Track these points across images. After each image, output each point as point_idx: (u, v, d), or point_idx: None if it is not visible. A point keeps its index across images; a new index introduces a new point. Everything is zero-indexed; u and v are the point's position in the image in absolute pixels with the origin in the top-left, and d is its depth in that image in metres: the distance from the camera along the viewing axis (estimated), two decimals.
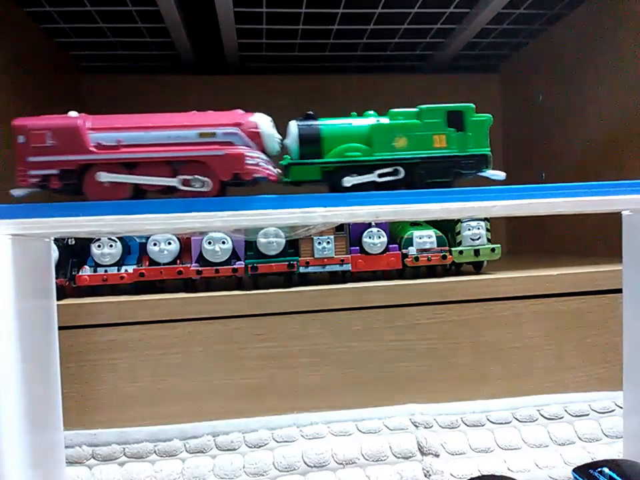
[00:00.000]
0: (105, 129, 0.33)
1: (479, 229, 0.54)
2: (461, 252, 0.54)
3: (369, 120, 0.38)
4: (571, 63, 0.81)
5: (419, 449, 0.45)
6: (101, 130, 0.33)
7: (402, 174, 0.36)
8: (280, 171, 0.37)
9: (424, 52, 0.96)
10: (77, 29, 0.80)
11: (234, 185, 0.36)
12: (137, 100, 0.97)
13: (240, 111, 0.36)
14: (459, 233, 0.54)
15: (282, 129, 0.37)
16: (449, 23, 0.84)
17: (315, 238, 0.51)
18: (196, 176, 0.34)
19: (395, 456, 0.45)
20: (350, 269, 0.52)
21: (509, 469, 0.45)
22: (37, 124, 0.33)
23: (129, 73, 0.98)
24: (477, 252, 0.54)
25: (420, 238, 0.53)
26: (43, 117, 0.33)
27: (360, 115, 0.39)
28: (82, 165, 0.33)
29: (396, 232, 0.56)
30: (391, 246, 0.53)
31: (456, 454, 0.45)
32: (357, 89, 1.02)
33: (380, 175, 0.36)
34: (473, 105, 0.37)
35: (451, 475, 0.44)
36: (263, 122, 0.35)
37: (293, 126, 0.37)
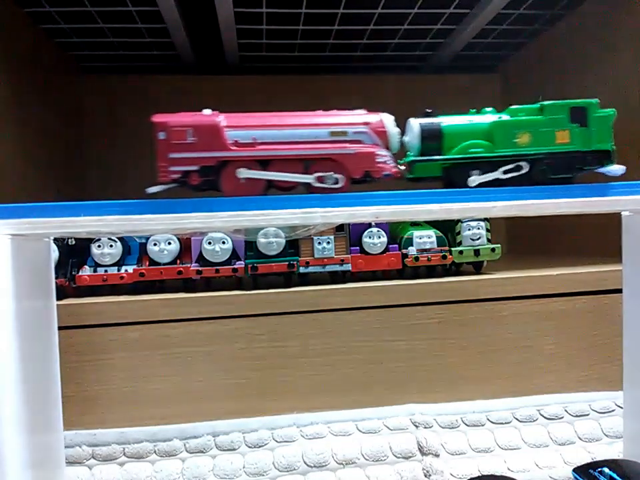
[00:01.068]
0: (241, 126, 0.34)
1: (479, 229, 0.54)
2: (461, 252, 0.54)
3: (490, 117, 0.38)
4: (571, 63, 0.81)
5: (419, 448, 0.45)
6: (237, 128, 0.34)
7: (525, 169, 0.36)
8: (404, 167, 0.38)
9: (424, 52, 0.96)
10: (76, 29, 0.80)
11: (359, 182, 0.36)
12: (137, 100, 0.97)
13: (363, 111, 0.37)
14: (458, 233, 0.54)
15: None
16: (449, 23, 0.83)
17: (314, 238, 0.51)
18: (331, 173, 0.34)
19: (395, 456, 0.45)
20: (350, 269, 0.52)
21: (509, 469, 0.45)
22: (177, 121, 0.33)
23: (129, 73, 0.98)
24: (477, 252, 0.54)
25: (420, 238, 0.53)
26: (180, 114, 0.34)
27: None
28: (221, 161, 0.34)
29: (396, 232, 0.56)
30: (390, 246, 0.53)
31: (456, 454, 0.45)
32: (357, 89, 1.02)
33: (505, 172, 0.36)
34: (596, 100, 0.38)
35: (451, 475, 0.44)
36: (388, 121, 0.36)
37: (415, 123, 0.38)
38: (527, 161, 0.36)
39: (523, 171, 0.36)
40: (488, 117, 0.38)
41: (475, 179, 0.36)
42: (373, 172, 0.35)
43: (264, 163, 0.34)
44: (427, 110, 0.38)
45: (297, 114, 0.35)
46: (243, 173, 0.34)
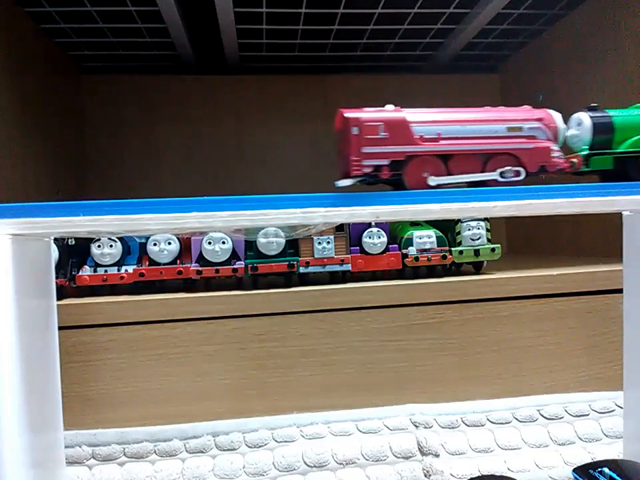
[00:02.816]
0: (426, 122, 0.35)
1: (478, 229, 0.54)
2: (461, 252, 0.54)
3: None
4: (570, 63, 0.81)
5: (419, 448, 0.45)
6: (422, 123, 0.35)
7: None
8: (576, 160, 0.38)
9: (424, 52, 0.96)
10: (77, 29, 0.80)
11: (532, 175, 0.37)
12: (137, 100, 0.97)
13: (528, 106, 0.38)
14: (458, 233, 0.54)
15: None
16: (449, 23, 0.84)
17: (315, 238, 0.51)
18: (513, 167, 0.35)
19: (395, 456, 0.45)
20: (350, 268, 0.52)
21: (509, 469, 0.45)
22: (369, 117, 0.34)
23: (129, 73, 0.98)
24: (476, 252, 0.54)
25: (420, 238, 0.53)
26: (368, 109, 0.35)
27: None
28: (409, 156, 0.35)
29: (396, 232, 0.56)
30: (390, 246, 0.53)
31: (456, 454, 0.45)
32: (357, 89, 1.02)
33: None
34: None
35: (451, 475, 0.44)
36: (557, 117, 0.37)
37: (585, 117, 0.38)
38: None
39: None
40: None
41: None
42: (548, 166, 0.36)
43: (445, 158, 0.35)
44: (592, 104, 0.39)
45: (472, 110, 0.37)
46: (433, 180, 0.35)
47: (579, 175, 0.39)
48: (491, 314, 0.50)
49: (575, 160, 0.38)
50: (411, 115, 0.35)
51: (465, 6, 0.78)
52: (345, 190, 0.33)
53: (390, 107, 0.36)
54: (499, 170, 0.35)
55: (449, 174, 0.35)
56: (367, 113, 0.34)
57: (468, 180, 0.35)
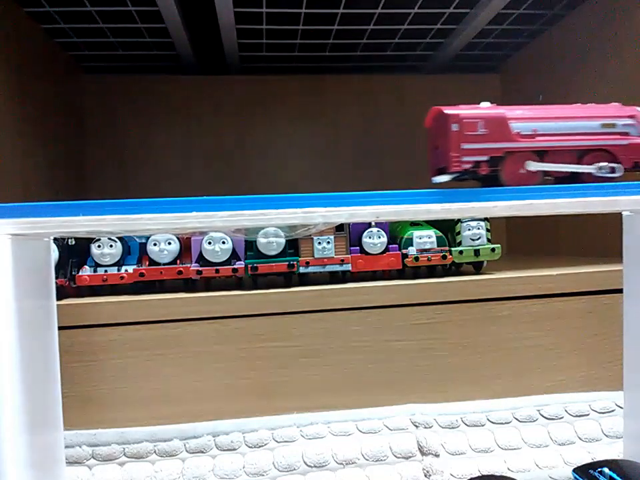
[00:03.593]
0: (522, 119, 0.35)
1: (478, 229, 0.54)
2: (461, 252, 0.54)
3: None
4: (571, 63, 0.81)
5: (419, 448, 0.45)
6: (519, 120, 0.35)
7: None
8: None
9: (424, 52, 0.96)
10: (77, 29, 0.80)
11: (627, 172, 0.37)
12: (137, 100, 0.97)
13: (617, 104, 0.38)
14: (458, 233, 0.54)
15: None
16: (449, 23, 0.83)
17: (314, 238, 0.51)
18: (610, 164, 0.35)
19: (395, 456, 0.45)
20: (350, 268, 0.52)
21: (508, 469, 0.45)
22: (469, 113, 0.35)
23: (129, 73, 0.98)
24: (476, 252, 0.54)
25: (420, 238, 0.53)
26: (465, 106, 0.35)
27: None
28: (507, 152, 0.35)
29: (396, 232, 0.56)
30: (390, 246, 0.53)
31: (456, 454, 0.45)
32: (357, 89, 1.03)
33: None
34: None
35: (451, 475, 0.44)
36: None
37: None
38: None
39: None
40: None
41: None
42: None
43: (541, 154, 0.36)
44: None
45: (565, 106, 0.37)
46: (532, 166, 0.35)
47: None
48: (491, 314, 0.50)
49: None
50: (509, 111, 0.35)
51: (465, 6, 0.78)
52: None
53: (486, 104, 0.36)
54: (597, 165, 0.35)
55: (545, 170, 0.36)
56: (467, 110, 0.35)
57: (565, 170, 0.35)
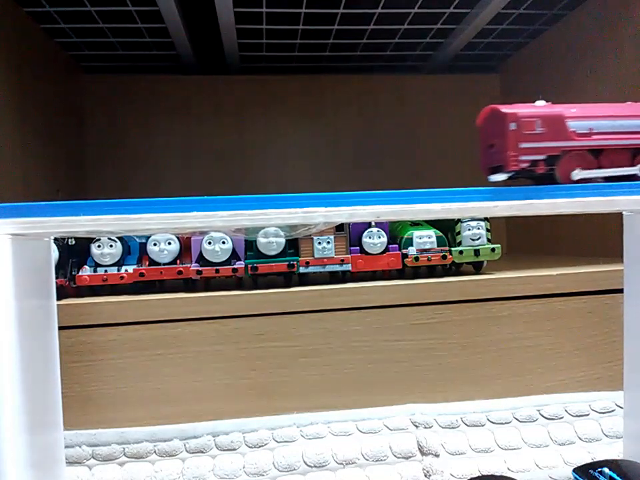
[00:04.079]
0: (579, 117, 0.35)
1: (479, 229, 0.54)
2: (461, 252, 0.54)
3: None
4: (571, 63, 0.81)
5: (419, 448, 0.45)
6: (575, 118, 0.35)
7: None
8: None
9: (424, 52, 0.96)
10: (77, 29, 0.80)
11: None
12: (137, 100, 0.97)
13: None
14: (458, 233, 0.54)
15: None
16: (449, 23, 0.84)
17: (314, 238, 0.51)
18: None
19: (395, 456, 0.45)
20: (350, 269, 0.52)
21: (509, 469, 0.45)
22: (527, 112, 0.35)
23: (129, 73, 0.98)
24: (477, 252, 0.54)
25: (420, 238, 0.53)
26: (520, 105, 0.35)
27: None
28: (564, 151, 0.35)
29: (396, 232, 0.56)
30: (390, 246, 0.53)
31: (456, 454, 0.45)
32: (357, 89, 1.03)
33: None
34: None
35: (451, 475, 0.44)
36: None
37: None
38: None
39: None
40: None
41: None
42: None
43: (596, 152, 0.35)
44: None
45: (618, 105, 0.37)
46: (577, 175, 0.35)
47: None
48: (491, 314, 0.50)
49: None
50: (565, 110, 0.35)
51: (465, 6, 0.78)
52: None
53: (541, 102, 0.36)
54: None
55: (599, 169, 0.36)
56: (524, 109, 0.35)
57: (616, 174, 0.35)
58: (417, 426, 0.46)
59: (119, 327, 0.46)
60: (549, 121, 0.35)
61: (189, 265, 0.50)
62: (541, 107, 0.35)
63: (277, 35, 0.85)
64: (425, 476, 0.43)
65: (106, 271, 0.50)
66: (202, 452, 0.44)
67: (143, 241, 0.52)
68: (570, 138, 0.35)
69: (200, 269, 0.49)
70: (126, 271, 0.50)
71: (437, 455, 0.45)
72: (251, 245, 0.51)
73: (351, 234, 0.53)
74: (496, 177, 0.36)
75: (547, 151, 0.35)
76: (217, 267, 0.49)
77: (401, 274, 0.56)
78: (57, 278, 0.42)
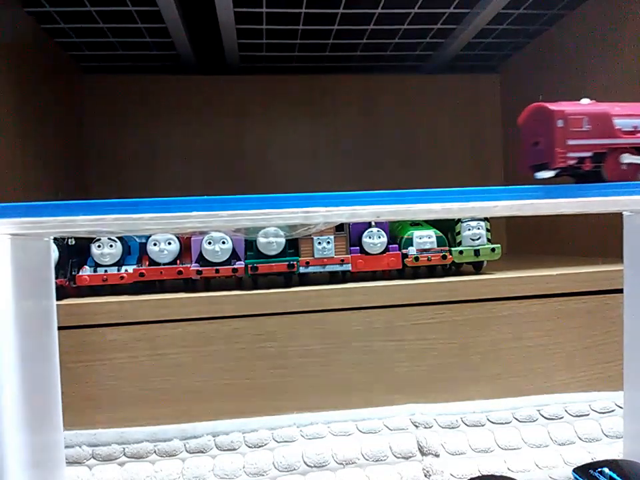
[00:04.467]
0: (623, 115, 0.36)
1: (479, 229, 0.54)
2: (461, 252, 0.54)
3: None
4: (571, 63, 0.81)
5: (419, 448, 0.45)
6: (620, 117, 0.36)
7: None
8: None
9: (424, 52, 0.96)
10: (77, 29, 0.80)
11: None
12: (137, 100, 0.97)
13: None
14: (458, 233, 0.54)
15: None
16: (449, 23, 0.84)
17: (314, 238, 0.51)
18: None
19: (395, 456, 0.45)
20: (350, 269, 0.52)
21: (509, 469, 0.45)
22: (574, 110, 0.35)
23: (129, 73, 0.98)
24: (476, 252, 0.54)
25: (420, 238, 0.53)
26: (566, 103, 0.35)
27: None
28: (610, 148, 0.35)
29: (396, 232, 0.56)
30: (390, 246, 0.53)
31: (456, 454, 0.45)
32: (357, 89, 1.03)
33: None
34: None
35: (451, 475, 0.44)
36: None
37: None
38: None
39: None
40: None
41: None
42: None
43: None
44: None
45: None
46: (627, 158, 0.35)
47: None
48: (491, 314, 0.50)
49: None
50: (611, 108, 0.36)
51: (465, 6, 0.78)
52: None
53: (586, 100, 0.36)
54: None
55: None
56: (571, 106, 0.35)
57: None
58: (416, 426, 0.46)
59: (119, 327, 0.46)
60: (596, 118, 0.35)
61: (189, 265, 0.50)
62: (586, 104, 0.36)
63: (277, 35, 0.85)
64: (425, 476, 0.43)
65: (106, 270, 0.50)
66: (202, 452, 0.44)
67: (143, 241, 0.52)
68: (616, 135, 0.35)
69: (200, 268, 0.49)
70: (126, 270, 0.50)
71: (437, 455, 0.45)
72: (251, 245, 0.51)
73: (351, 234, 0.53)
74: (542, 174, 0.36)
75: (593, 148, 0.35)
76: (217, 267, 0.49)
77: (401, 274, 0.56)
78: (56, 278, 0.42)
